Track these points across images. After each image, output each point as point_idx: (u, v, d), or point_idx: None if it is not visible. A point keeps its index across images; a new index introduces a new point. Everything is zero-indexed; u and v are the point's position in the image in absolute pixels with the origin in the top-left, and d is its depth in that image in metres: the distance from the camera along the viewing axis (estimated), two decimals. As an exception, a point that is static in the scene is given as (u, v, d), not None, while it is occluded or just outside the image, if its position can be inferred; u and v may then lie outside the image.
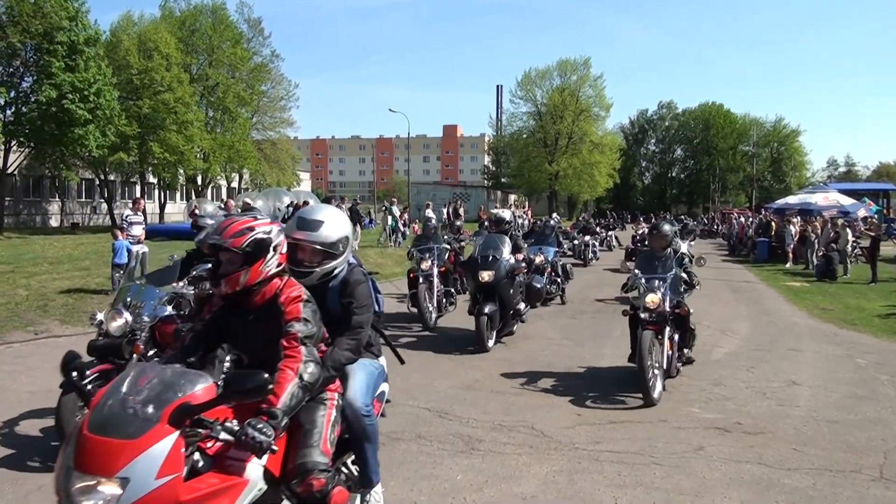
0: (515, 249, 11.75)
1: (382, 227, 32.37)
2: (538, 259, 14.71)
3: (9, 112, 34.12)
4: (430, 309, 12.58)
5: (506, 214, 13.80)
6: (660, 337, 8.22)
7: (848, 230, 23.79)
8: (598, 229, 34.03)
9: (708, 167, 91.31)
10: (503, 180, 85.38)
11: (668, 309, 8.39)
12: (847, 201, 33.16)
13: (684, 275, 9.37)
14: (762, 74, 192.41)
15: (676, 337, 8.69)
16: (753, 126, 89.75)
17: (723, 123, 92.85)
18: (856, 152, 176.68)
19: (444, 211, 36.75)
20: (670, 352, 8.49)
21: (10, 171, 35.78)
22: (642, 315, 8.35)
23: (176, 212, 53.30)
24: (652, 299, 8.37)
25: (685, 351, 9.05)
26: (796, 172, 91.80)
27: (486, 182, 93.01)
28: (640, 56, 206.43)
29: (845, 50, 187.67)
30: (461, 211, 37.48)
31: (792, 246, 26.85)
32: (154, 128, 41.73)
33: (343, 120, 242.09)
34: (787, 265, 26.12)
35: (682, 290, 9.03)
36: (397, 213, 31.41)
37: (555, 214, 51.76)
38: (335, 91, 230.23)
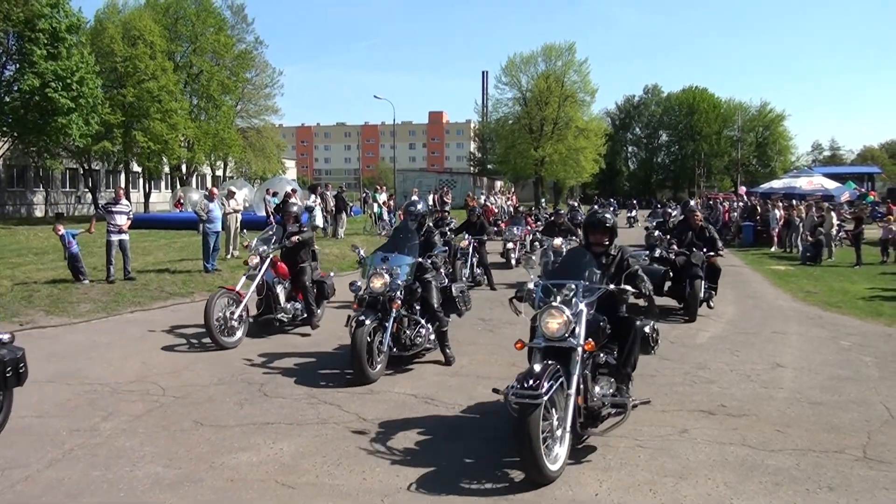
0: None
1: (368, 215, 32.42)
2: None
3: (-9, 102, 33.88)
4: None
5: None
6: (563, 381, 5.26)
7: (833, 214, 23.95)
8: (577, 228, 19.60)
9: (693, 152, 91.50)
10: (489, 167, 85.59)
11: (579, 339, 5.43)
12: (831, 185, 33.36)
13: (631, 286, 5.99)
14: (747, 58, 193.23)
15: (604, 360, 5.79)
16: (738, 111, 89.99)
17: (707, 108, 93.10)
18: (840, 136, 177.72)
19: (431, 198, 36.64)
20: (581, 403, 5.47)
21: (-8, 161, 35.57)
22: (539, 345, 5.55)
23: (161, 201, 53.03)
24: (551, 322, 5.45)
25: (623, 382, 6.02)
26: (781, 157, 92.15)
27: (472, 169, 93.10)
28: (626, 40, 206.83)
29: (830, 34, 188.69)
30: (447, 198, 37.35)
31: (777, 230, 27.03)
32: (138, 116, 41.55)
33: (328, 107, 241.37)
34: (773, 249, 26.30)
35: (622, 310, 6.17)
36: (381, 201, 31.34)
37: (542, 202, 51.91)
38: (320, 78, 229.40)
